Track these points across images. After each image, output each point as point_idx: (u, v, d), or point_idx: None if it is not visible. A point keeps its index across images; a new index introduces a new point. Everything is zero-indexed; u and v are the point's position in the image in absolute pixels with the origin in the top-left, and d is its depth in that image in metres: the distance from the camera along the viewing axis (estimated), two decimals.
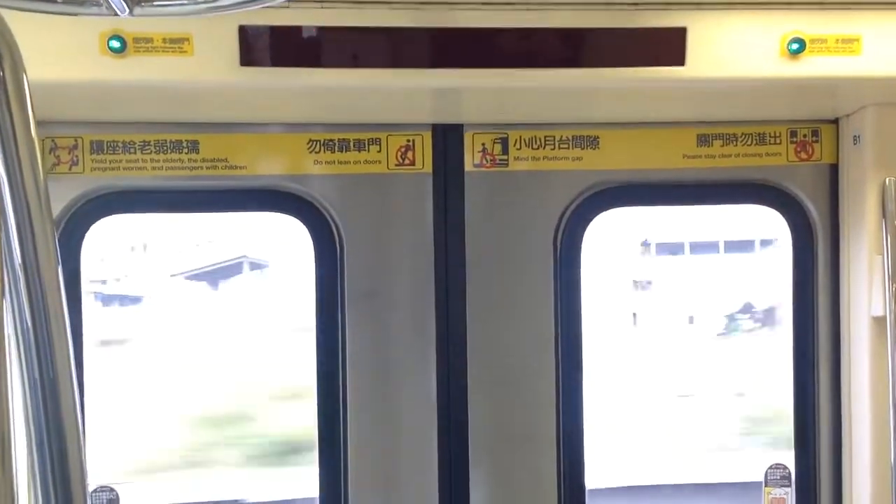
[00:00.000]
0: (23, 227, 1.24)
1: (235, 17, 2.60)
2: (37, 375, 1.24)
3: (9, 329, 1.20)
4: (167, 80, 2.66)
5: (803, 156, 3.31)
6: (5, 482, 1.07)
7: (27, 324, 1.24)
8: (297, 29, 2.66)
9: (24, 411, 1.25)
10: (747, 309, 4.09)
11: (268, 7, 2.56)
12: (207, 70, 2.65)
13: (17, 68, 1.24)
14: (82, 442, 1.28)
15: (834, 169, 3.31)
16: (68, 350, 1.26)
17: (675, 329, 4.22)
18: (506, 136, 3.23)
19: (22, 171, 1.24)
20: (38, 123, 1.27)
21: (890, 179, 3.08)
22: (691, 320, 4.27)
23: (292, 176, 3.17)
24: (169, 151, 3.12)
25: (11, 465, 1.09)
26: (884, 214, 3.07)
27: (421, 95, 2.99)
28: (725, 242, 4.15)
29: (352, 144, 3.18)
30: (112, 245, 3.57)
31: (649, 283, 4.22)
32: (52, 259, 1.26)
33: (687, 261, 4.09)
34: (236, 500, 3.67)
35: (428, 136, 3.21)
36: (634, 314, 4.28)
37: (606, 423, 3.67)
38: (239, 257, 3.99)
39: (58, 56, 2.55)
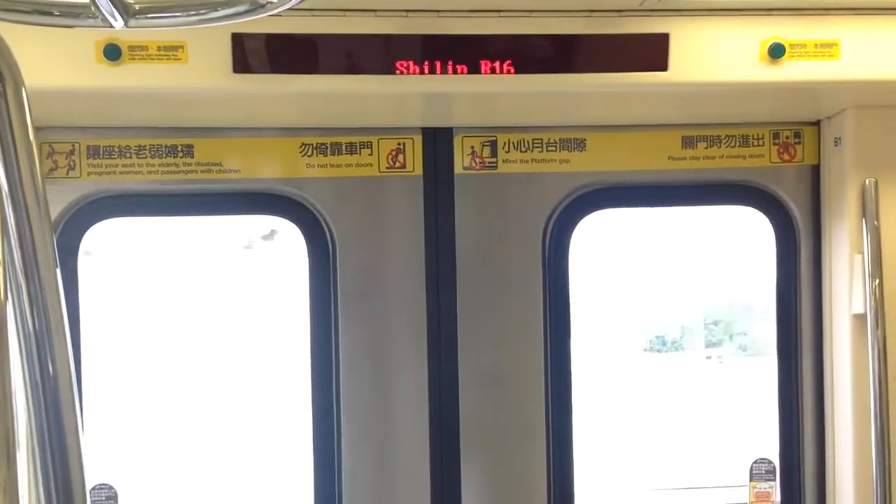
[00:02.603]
0: (22, 232, 1.29)
1: (228, 26, 2.65)
2: (38, 376, 1.27)
3: (11, 331, 1.24)
4: (162, 87, 2.71)
5: (786, 157, 3.37)
6: (10, 480, 1.12)
7: (28, 326, 1.28)
8: (289, 36, 2.71)
9: (26, 411, 1.29)
10: None
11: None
12: (201, 77, 2.70)
13: (17, 81, 1.29)
14: (82, 440, 1.32)
15: (816, 170, 3.38)
16: (67, 351, 1.30)
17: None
18: (494, 139, 3.29)
19: (21, 179, 1.29)
20: (36, 129, 1.32)
21: (870, 180, 3.14)
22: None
23: (285, 179, 3.23)
24: (164, 156, 3.17)
25: (16, 463, 1.13)
26: (864, 214, 3.14)
27: (411, 100, 3.05)
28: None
29: (344, 148, 3.24)
30: None
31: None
32: (50, 262, 1.31)
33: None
34: None
35: (418, 139, 3.27)
36: None
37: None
38: None
39: (54, 64, 2.60)
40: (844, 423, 3.25)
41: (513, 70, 2.77)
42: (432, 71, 2.76)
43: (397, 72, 2.75)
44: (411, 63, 2.74)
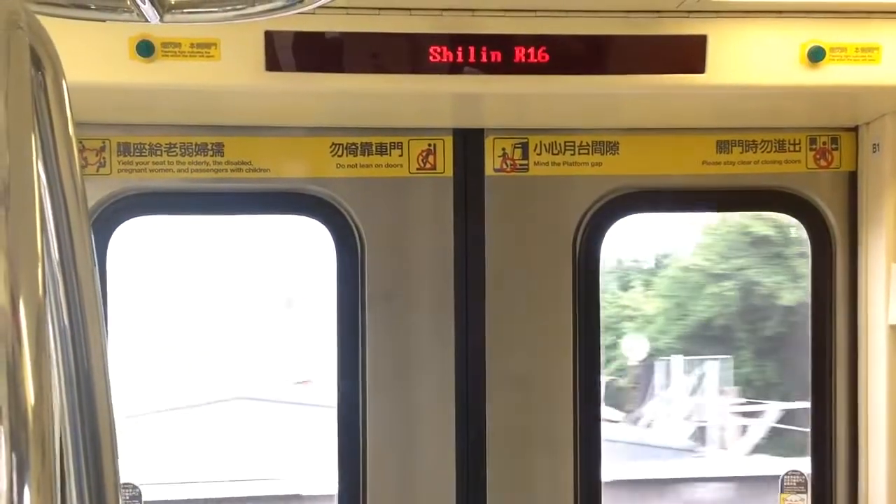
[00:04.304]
0: (61, 227, 1.27)
1: (261, 23, 2.64)
2: (73, 373, 1.26)
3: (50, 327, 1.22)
4: (194, 84, 2.70)
5: (822, 163, 3.32)
6: (45, 479, 1.10)
7: (64, 322, 1.26)
8: (322, 35, 2.70)
9: (60, 408, 1.27)
10: None
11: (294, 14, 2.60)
12: (233, 75, 2.69)
13: (58, 73, 1.28)
14: (115, 439, 1.30)
15: (853, 176, 3.32)
16: (103, 348, 1.28)
17: None
18: (526, 141, 3.26)
19: (60, 172, 1.27)
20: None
21: None
22: None
23: (315, 179, 3.21)
24: (194, 154, 3.16)
25: (51, 462, 1.11)
26: None
27: (442, 101, 3.03)
28: None
29: (374, 148, 3.22)
30: None
31: None
32: (88, 258, 1.29)
33: None
34: None
35: (449, 140, 3.24)
36: None
37: None
38: None
39: (87, 59, 2.59)
40: (878, 436, 3.20)
41: (545, 71, 2.74)
42: (463, 71, 2.73)
43: (428, 71, 2.72)
44: (442, 63, 2.71)
